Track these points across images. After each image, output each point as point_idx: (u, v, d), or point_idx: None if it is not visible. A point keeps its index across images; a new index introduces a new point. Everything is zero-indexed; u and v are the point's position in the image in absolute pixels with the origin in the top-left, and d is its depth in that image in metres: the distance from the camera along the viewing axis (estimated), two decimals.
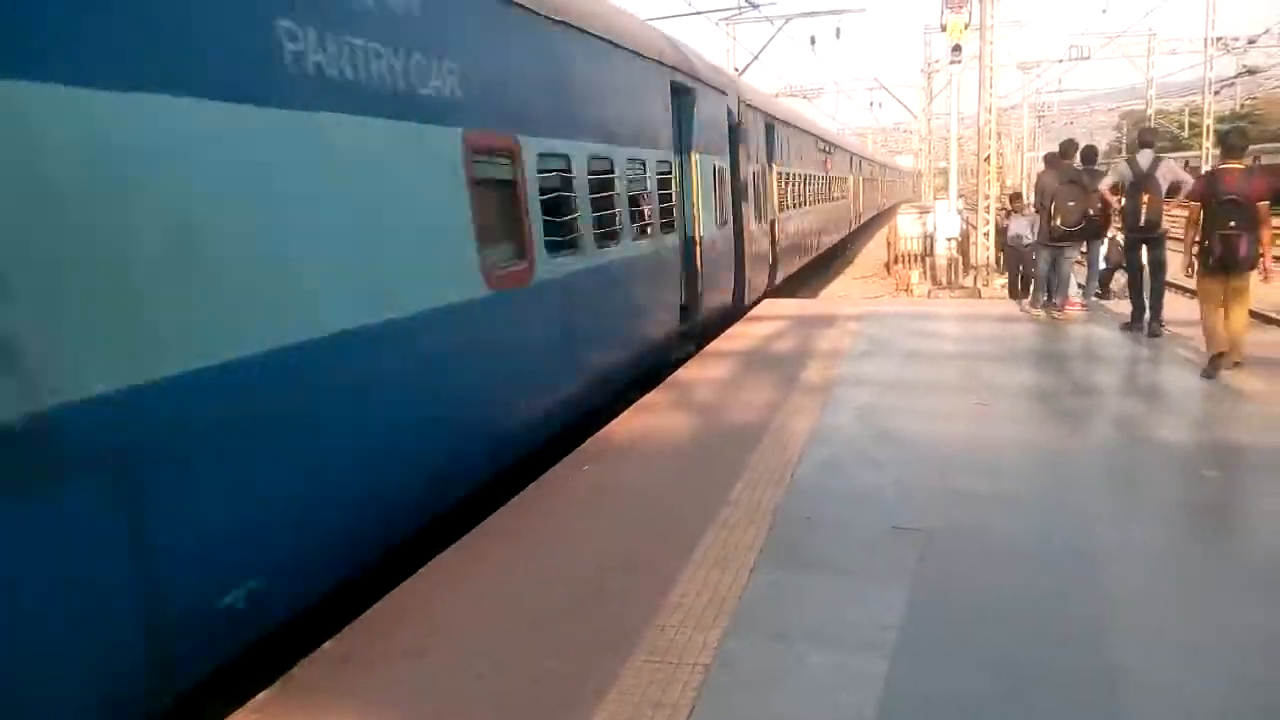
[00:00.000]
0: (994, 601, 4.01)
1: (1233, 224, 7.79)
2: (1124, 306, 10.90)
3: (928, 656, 3.57)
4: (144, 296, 3.20)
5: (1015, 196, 15.51)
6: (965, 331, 11.16)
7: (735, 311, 12.82)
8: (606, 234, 7.84)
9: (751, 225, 14.18)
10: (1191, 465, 5.81)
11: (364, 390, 4.38)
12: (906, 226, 23.13)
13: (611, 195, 7.98)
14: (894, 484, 5.59)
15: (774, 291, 16.21)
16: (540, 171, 6.46)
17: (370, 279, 4.44)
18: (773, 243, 16.31)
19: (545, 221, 6.51)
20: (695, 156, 10.75)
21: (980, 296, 16.53)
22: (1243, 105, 57.45)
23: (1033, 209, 13.47)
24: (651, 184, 9.22)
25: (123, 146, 3.14)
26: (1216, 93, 43.12)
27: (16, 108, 2.78)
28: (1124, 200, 9.97)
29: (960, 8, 17.69)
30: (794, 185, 19.09)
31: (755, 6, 24.17)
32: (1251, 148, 43.20)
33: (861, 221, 39.41)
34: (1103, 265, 12.65)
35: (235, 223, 3.64)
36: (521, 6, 6.25)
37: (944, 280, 19.89)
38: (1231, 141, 8.65)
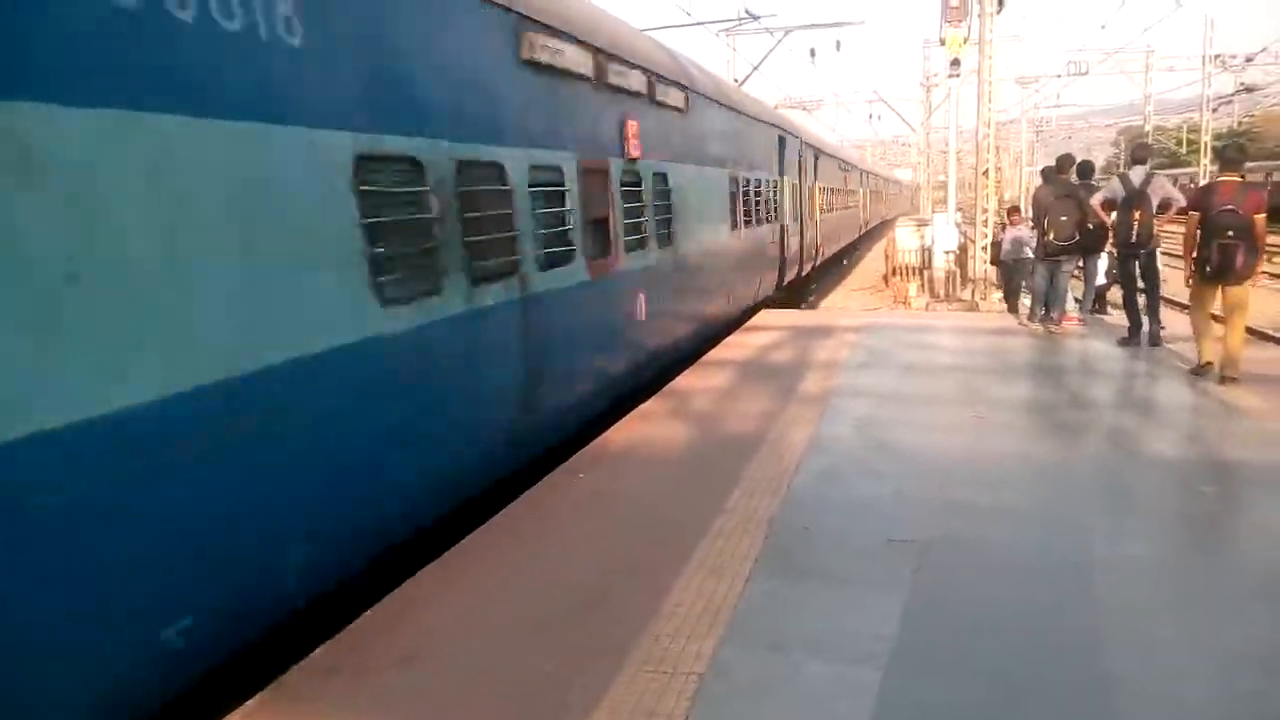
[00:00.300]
0: (990, 612, 4.00)
1: (1230, 234, 7.87)
2: (1122, 320, 10.93)
3: (923, 667, 3.55)
4: None
5: (1013, 210, 15.52)
6: (962, 344, 11.15)
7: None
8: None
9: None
10: (1188, 480, 5.80)
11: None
12: (904, 239, 23.14)
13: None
14: (891, 495, 5.58)
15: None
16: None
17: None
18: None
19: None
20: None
21: (978, 309, 16.52)
22: (1240, 122, 57.68)
23: (1030, 223, 13.53)
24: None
25: None
26: (1214, 110, 43.30)
27: None
28: (1116, 215, 10.01)
29: (959, 22, 17.71)
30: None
31: (755, 18, 24.25)
32: (1262, 164, 43.41)
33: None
34: (1102, 280, 12.65)
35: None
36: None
37: (942, 293, 19.90)
38: (1229, 155, 8.74)
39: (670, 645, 3.77)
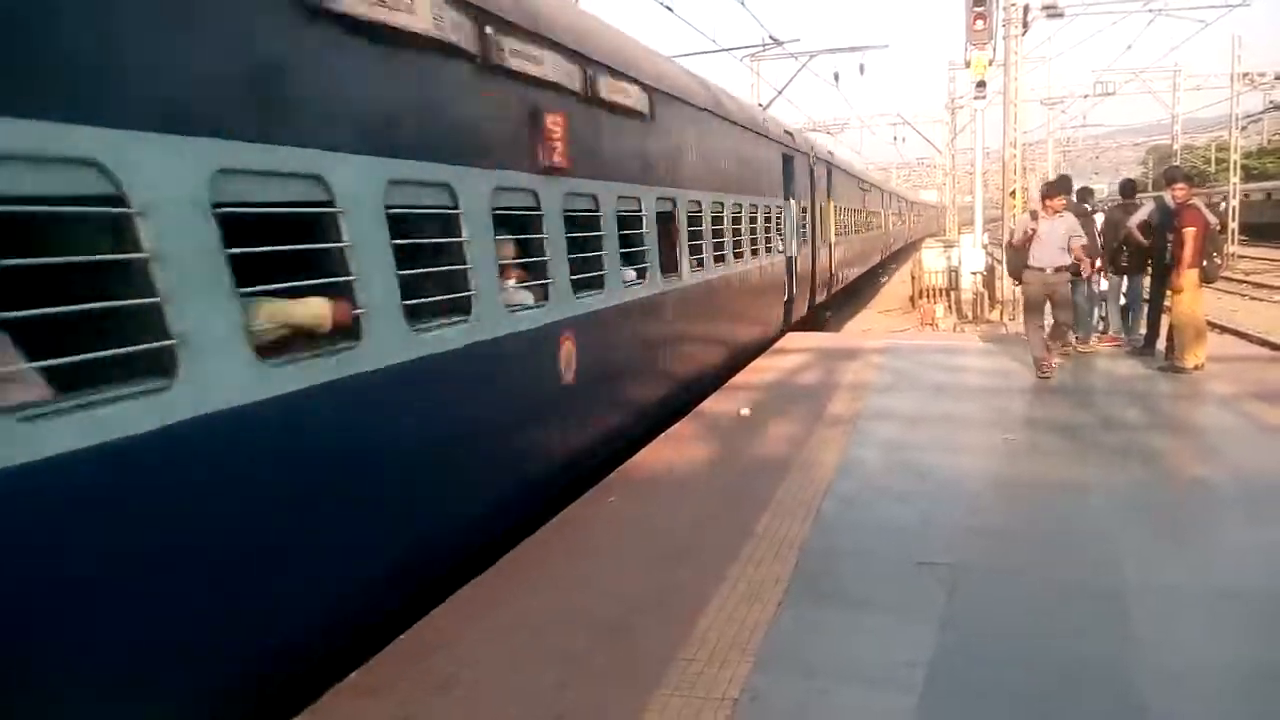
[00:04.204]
0: (1022, 640, 3.97)
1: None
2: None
3: (958, 694, 3.53)
4: None
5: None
6: (990, 365, 11.09)
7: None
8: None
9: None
10: (1226, 505, 5.73)
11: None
12: (931, 260, 23.06)
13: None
14: (920, 519, 5.55)
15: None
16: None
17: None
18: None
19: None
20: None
21: (1006, 331, 16.41)
22: (1270, 140, 57.15)
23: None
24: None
25: None
26: (1243, 128, 42.90)
27: None
28: (1155, 237, 10.49)
29: (984, 45, 17.73)
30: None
31: (780, 44, 24.38)
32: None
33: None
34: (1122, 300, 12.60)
35: None
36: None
37: (970, 314, 19.80)
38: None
39: (704, 670, 3.77)
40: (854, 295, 27.66)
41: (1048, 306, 10.06)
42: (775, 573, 4.77)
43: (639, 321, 7.95)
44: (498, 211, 5.41)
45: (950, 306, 20.99)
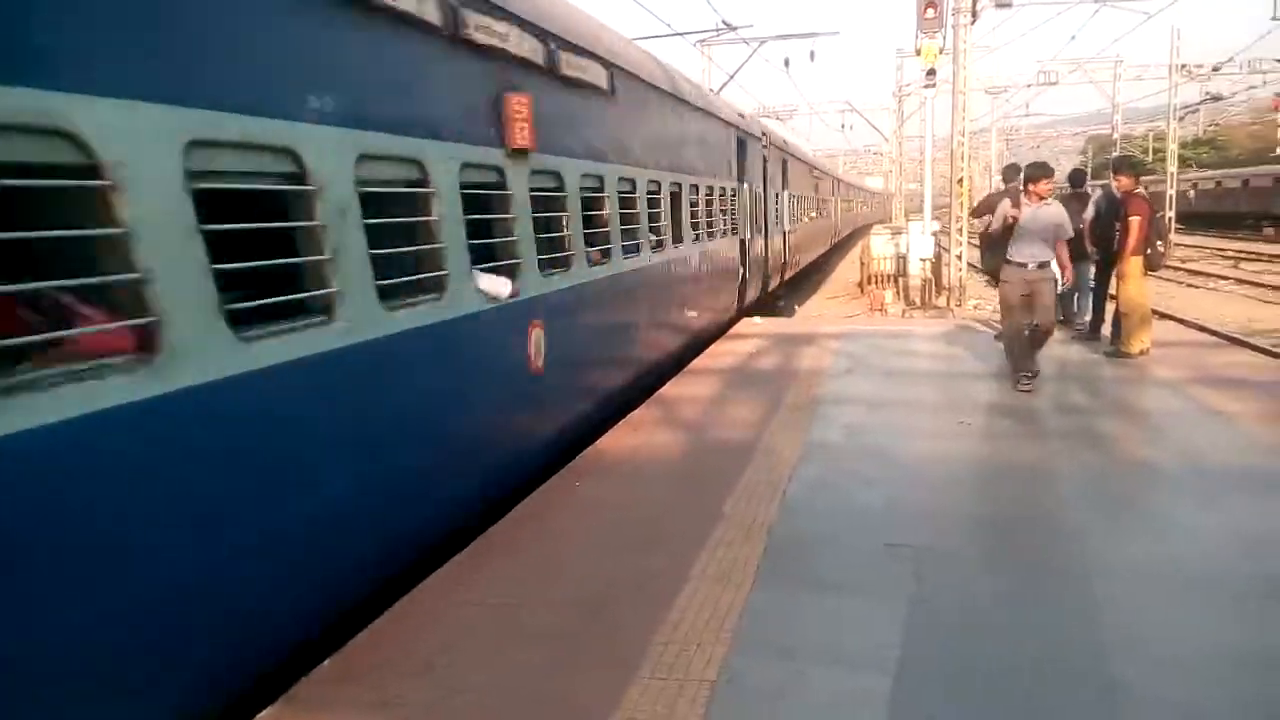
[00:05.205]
0: (991, 619, 4.06)
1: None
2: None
3: (932, 674, 3.59)
4: None
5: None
6: (941, 350, 11.29)
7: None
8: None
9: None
10: (1179, 486, 5.89)
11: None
12: (879, 247, 23.30)
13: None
14: (885, 501, 5.64)
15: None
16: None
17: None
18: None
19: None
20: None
21: (954, 317, 16.68)
22: (1206, 131, 58.76)
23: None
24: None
25: None
26: (1181, 119, 44.03)
27: None
28: (1101, 226, 10.62)
29: (934, 33, 17.91)
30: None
31: (733, 29, 24.40)
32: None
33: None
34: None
35: None
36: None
37: (918, 300, 20.08)
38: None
39: (681, 653, 3.80)
40: (804, 281, 27.87)
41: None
42: (746, 556, 4.82)
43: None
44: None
45: (899, 293, 21.26)
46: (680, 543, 5.02)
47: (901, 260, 21.55)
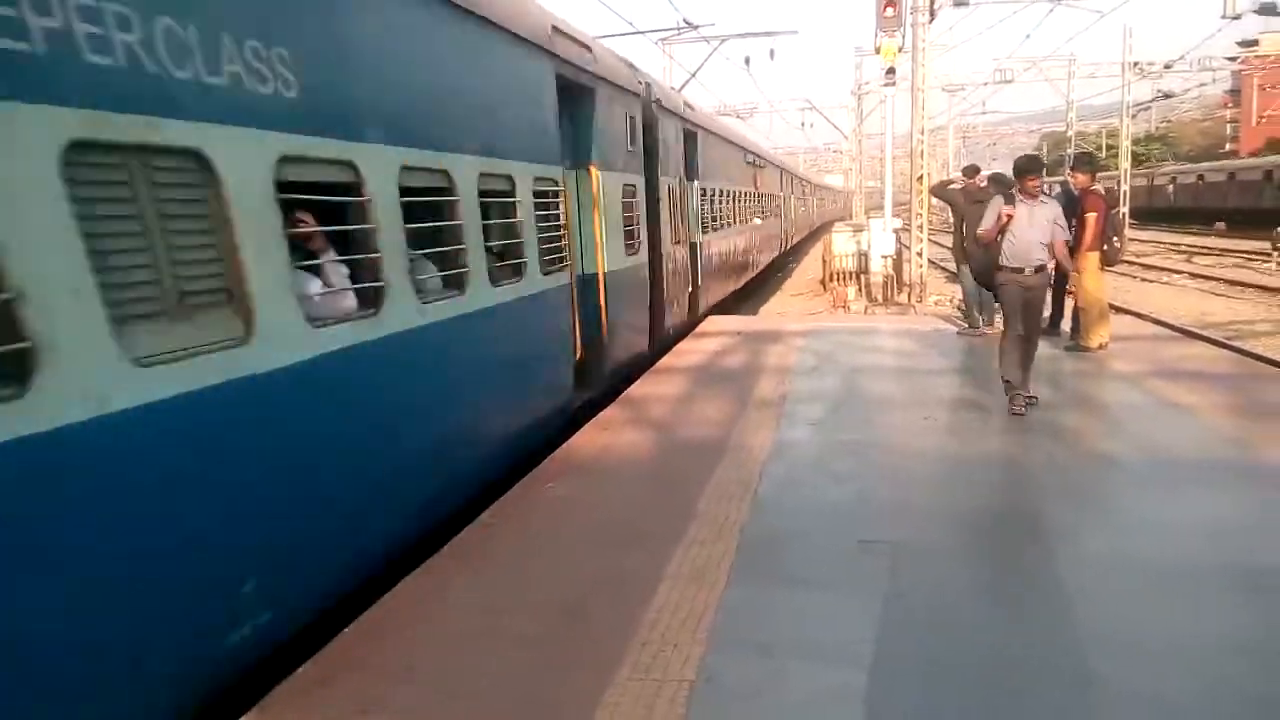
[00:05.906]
0: (963, 613, 4.12)
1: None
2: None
3: (908, 668, 3.64)
4: None
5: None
6: (904, 346, 11.43)
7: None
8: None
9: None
10: (1141, 477, 6.01)
11: None
12: (841, 244, 23.50)
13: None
14: (855, 497, 5.70)
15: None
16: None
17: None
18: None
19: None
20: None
21: (915, 313, 16.88)
22: (1158, 127, 59.92)
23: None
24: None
25: None
26: (1134, 115, 44.84)
27: None
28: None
29: (894, 32, 18.09)
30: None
31: (694, 27, 24.49)
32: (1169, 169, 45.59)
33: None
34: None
35: None
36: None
37: (879, 297, 20.29)
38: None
39: (659, 653, 3.81)
40: (767, 280, 28.01)
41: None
42: (719, 554, 4.84)
43: None
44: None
45: (861, 289, 21.46)
46: (654, 542, 5.04)
47: (863, 257, 21.77)
